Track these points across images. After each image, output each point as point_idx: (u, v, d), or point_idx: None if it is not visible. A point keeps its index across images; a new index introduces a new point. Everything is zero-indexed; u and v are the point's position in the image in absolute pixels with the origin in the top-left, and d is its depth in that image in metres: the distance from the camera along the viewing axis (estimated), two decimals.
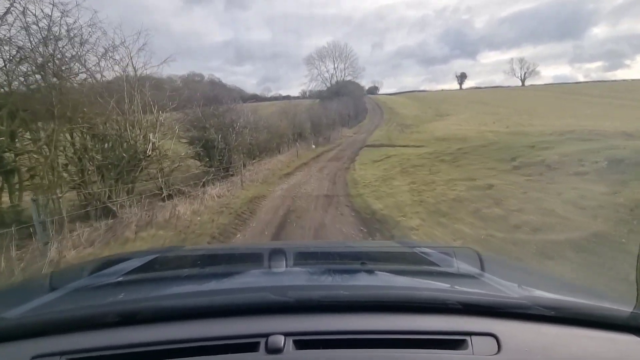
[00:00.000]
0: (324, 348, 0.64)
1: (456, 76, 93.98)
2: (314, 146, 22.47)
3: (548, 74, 73.96)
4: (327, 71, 57.13)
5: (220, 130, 11.26)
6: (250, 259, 1.38)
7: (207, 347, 0.64)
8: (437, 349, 0.65)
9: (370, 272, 1.10)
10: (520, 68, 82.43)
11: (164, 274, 1.19)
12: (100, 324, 0.70)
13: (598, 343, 0.70)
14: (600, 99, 48.91)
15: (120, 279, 1.03)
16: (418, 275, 1.05)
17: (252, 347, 0.63)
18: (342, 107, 39.96)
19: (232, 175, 10.85)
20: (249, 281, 1.03)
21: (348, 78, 56.88)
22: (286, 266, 1.05)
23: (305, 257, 1.34)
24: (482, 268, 1.02)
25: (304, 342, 0.65)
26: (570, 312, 0.75)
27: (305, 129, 23.04)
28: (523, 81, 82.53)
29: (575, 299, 0.87)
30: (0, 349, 0.66)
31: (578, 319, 0.74)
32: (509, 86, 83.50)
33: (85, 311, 0.75)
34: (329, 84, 53.34)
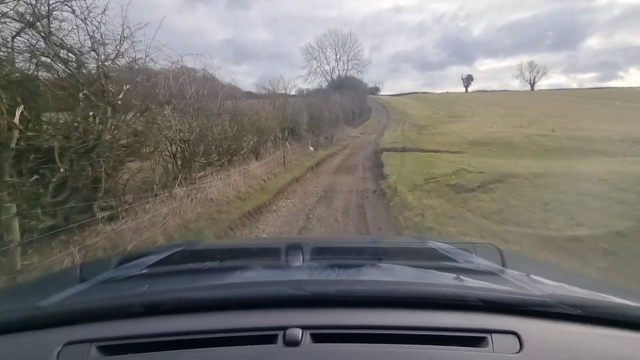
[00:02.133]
0: (340, 342, 0.63)
1: (462, 78, 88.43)
2: (312, 148, 15.32)
3: (543, 82, 72.43)
4: (328, 63, 49.34)
5: None
6: (268, 253, 1.37)
7: (227, 338, 0.64)
8: (457, 345, 0.62)
9: (387, 267, 1.07)
10: (530, 72, 76.51)
11: (186, 267, 1.18)
12: (126, 313, 0.71)
13: (624, 343, 0.66)
14: (623, 103, 43.23)
15: (144, 271, 1.04)
16: (437, 270, 1.01)
17: (270, 340, 0.63)
18: (347, 102, 32.93)
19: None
20: (267, 275, 1.03)
21: (352, 72, 49.36)
22: (303, 261, 1.03)
23: (322, 252, 1.31)
24: (503, 264, 0.99)
25: (321, 336, 0.64)
26: (595, 310, 0.71)
27: (301, 123, 15.81)
28: (532, 85, 76.85)
29: (601, 297, 0.82)
30: (35, 335, 0.68)
31: (604, 318, 0.70)
32: (517, 90, 77.56)
33: (113, 301, 0.77)
34: (329, 79, 45.61)
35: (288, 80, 15.55)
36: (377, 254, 1.22)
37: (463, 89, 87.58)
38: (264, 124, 12.12)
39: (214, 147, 7.78)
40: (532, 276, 0.92)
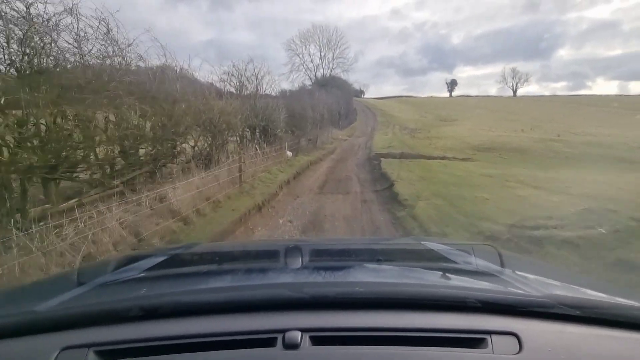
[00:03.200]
0: (340, 344, 0.62)
1: (446, 83, 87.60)
2: (289, 154, 11.67)
3: (520, 89, 74.85)
4: (312, 61, 45.44)
5: None
6: (266, 256, 1.35)
7: (226, 341, 0.63)
8: (456, 347, 0.62)
9: (386, 269, 1.06)
10: (513, 78, 76.30)
11: (184, 270, 1.15)
12: (124, 317, 0.69)
13: (625, 344, 0.65)
14: (610, 109, 42.29)
15: (142, 274, 1.02)
16: (436, 272, 0.99)
17: (270, 343, 0.62)
18: (333, 101, 29.45)
19: None
20: (266, 278, 1.02)
21: (337, 71, 45.73)
22: (302, 263, 1.01)
23: (321, 254, 1.28)
24: (502, 265, 0.97)
25: (320, 339, 0.63)
26: (595, 311, 0.70)
27: (277, 122, 12.14)
28: (515, 91, 76.69)
29: (600, 297, 0.81)
30: (31, 341, 0.66)
31: (604, 318, 0.69)
32: (500, 95, 77.22)
33: (111, 305, 0.75)
34: (313, 77, 41.61)
35: (262, 68, 11.55)
36: (376, 256, 1.17)
37: (446, 94, 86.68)
38: (222, 119, 8.38)
39: (92, 153, 3.94)
40: (531, 277, 0.92)
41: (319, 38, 44.47)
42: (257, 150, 10.40)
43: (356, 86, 56.27)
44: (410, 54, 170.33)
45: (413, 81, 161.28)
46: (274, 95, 15.61)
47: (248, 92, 11.54)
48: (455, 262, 1.08)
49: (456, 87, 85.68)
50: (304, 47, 43.76)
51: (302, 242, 1.54)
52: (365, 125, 34.83)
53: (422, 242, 1.50)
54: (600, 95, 67.41)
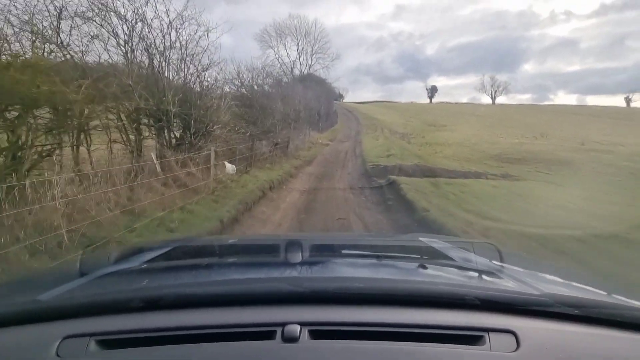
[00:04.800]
0: (338, 339, 0.61)
1: (426, 89, 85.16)
2: (230, 169, 6.09)
3: (487, 100, 76.11)
4: (288, 56, 39.52)
5: None
6: (267, 250, 1.34)
7: (226, 334, 0.63)
8: (454, 343, 0.61)
9: (386, 265, 1.05)
10: (492, 86, 74.93)
11: (185, 262, 1.16)
12: (125, 308, 0.69)
13: (623, 344, 0.65)
14: (597, 118, 40.32)
15: (143, 266, 1.03)
16: (435, 269, 0.97)
17: (269, 336, 0.61)
18: (312, 98, 24.21)
19: None
20: (266, 272, 1.02)
21: (316, 67, 40.22)
22: (302, 258, 1.00)
23: (321, 249, 1.28)
24: (502, 263, 0.96)
25: (319, 332, 0.62)
26: (593, 310, 0.69)
27: (211, 110, 6.57)
28: (494, 98, 75.16)
29: (599, 297, 0.80)
30: (34, 329, 0.67)
31: (601, 318, 0.68)
32: (480, 103, 75.74)
33: (112, 296, 0.76)
34: (290, 73, 35.45)
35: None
36: (376, 252, 1.18)
37: (424, 100, 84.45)
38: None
39: None
40: (530, 275, 0.91)
41: (296, 30, 38.51)
42: (155, 161, 4.88)
43: (336, 90, 50.95)
44: (387, 62, 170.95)
45: (390, 88, 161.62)
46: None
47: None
48: (454, 260, 1.06)
49: (436, 94, 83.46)
50: (280, 39, 37.72)
51: (302, 237, 1.58)
52: (348, 128, 29.81)
53: (422, 239, 1.47)
54: (565, 105, 67.79)
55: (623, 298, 0.78)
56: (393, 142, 18.27)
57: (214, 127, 7.02)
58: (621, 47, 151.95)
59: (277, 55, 35.62)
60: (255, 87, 10.84)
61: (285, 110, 13.51)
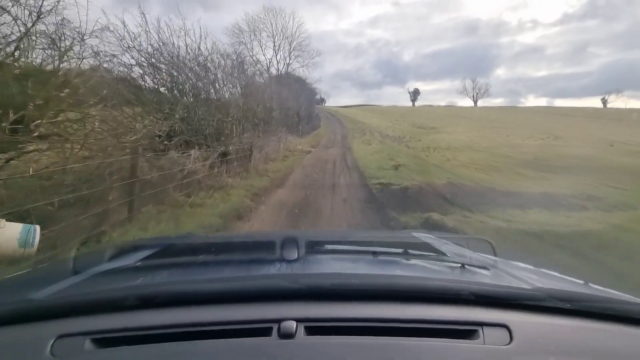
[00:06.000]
0: (334, 334, 0.61)
1: (409, 92, 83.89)
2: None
3: (465, 104, 77.60)
4: (264, 54, 34.42)
5: None
6: (263, 246, 1.31)
7: (222, 331, 0.62)
8: (449, 338, 0.61)
9: (381, 261, 1.05)
10: (473, 88, 74.17)
11: (180, 259, 1.12)
12: (120, 306, 0.68)
13: (614, 337, 0.65)
14: (597, 120, 39.07)
15: (138, 264, 1.00)
16: (430, 264, 0.98)
17: (265, 332, 0.61)
18: (290, 98, 20.15)
19: None
20: (262, 268, 1.01)
21: (295, 65, 35.73)
22: (298, 254, 0.97)
23: (317, 246, 1.24)
24: (496, 258, 0.97)
25: (315, 329, 0.62)
26: (585, 304, 0.70)
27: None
28: (475, 101, 74.36)
29: (591, 291, 0.81)
30: (28, 328, 0.65)
31: (594, 311, 0.68)
32: (461, 106, 74.74)
33: (107, 294, 0.74)
34: (266, 72, 30.43)
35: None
36: (371, 248, 1.16)
37: (404, 103, 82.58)
38: None
39: None
40: (524, 270, 0.92)
41: (271, 24, 33.99)
42: None
43: (317, 91, 46.59)
44: (366, 68, 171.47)
45: (369, 93, 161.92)
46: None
47: None
48: (449, 255, 1.05)
49: (419, 97, 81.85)
50: (253, 34, 33.05)
51: (298, 234, 1.52)
52: (332, 132, 25.96)
53: (417, 235, 1.48)
54: (532, 107, 68.15)
55: (614, 292, 0.78)
56: (391, 148, 14.53)
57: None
58: (584, 53, 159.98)
59: (250, 53, 31.03)
60: (186, 63, 6.66)
61: (248, 105, 9.41)
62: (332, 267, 1.00)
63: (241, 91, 9.48)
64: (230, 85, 8.56)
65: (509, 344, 0.59)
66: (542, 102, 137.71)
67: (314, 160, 11.93)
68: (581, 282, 0.89)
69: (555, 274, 0.97)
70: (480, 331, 0.61)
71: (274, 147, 12.20)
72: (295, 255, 0.95)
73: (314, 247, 1.17)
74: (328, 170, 9.00)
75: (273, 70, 32.24)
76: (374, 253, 1.07)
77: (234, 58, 10.08)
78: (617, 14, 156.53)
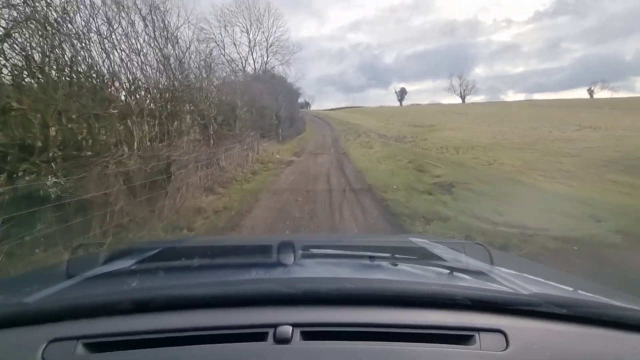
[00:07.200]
0: (330, 339, 0.61)
1: (395, 92, 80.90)
2: None
3: (447, 101, 78.44)
4: (238, 52, 29.79)
5: None
6: (259, 251, 1.31)
7: (217, 335, 0.61)
8: (445, 343, 0.61)
9: (378, 265, 1.02)
10: (460, 86, 72.21)
11: (175, 263, 1.09)
12: (114, 310, 0.67)
13: (611, 343, 0.64)
14: (600, 109, 36.80)
15: (133, 267, 0.99)
16: (426, 269, 0.96)
17: (261, 337, 0.60)
18: (269, 96, 16.15)
19: None
20: (258, 273, 0.99)
21: (274, 63, 30.95)
22: (294, 259, 0.96)
23: (313, 250, 1.22)
24: (492, 264, 0.94)
25: (311, 334, 0.61)
26: (581, 310, 0.69)
27: None
28: (463, 98, 72.43)
29: (587, 297, 0.81)
30: (20, 332, 0.65)
31: (590, 317, 0.68)
32: (449, 103, 72.69)
33: (101, 298, 0.73)
34: (240, 72, 25.21)
35: None
36: (368, 253, 1.14)
37: (390, 104, 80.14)
38: None
39: None
40: (520, 275, 0.91)
41: (244, 17, 29.44)
42: None
43: (300, 91, 42.09)
44: (350, 72, 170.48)
45: (354, 97, 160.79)
46: None
47: None
48: (445, 260, 1.04)
49: (406, 96, 79.41)
50: (224, 29, 28.31)
51: (294, 238, 1.53)
52: (321, 136, 21.93)
53: (413, 240, 1.45)
54: (516, 101, 67.11)
55: (609, 298, 0.78)
56: (402, 150, 10.78)
57: None
58: (558, 49, 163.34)
59: (222, 51, 26.55)
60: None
61: (183, 96, 5.39)
62: (328, 271, 0.99)
63: (165, 73, 5.48)
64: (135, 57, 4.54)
65: (505, 349, 0.59)
66: (521, 97, 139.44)
67: (296, 174, 7.96)
68: (577, 288, 0.89)
69: (551, 280, 0.94)
70: (477, 336, 0.61)
71: (236, 160, 8.22)
72: (292, 260, 0.93)
73: (311, 251, 1.15)
74: (319, 201, 5.02)
75: (249, 70, 27.94)
76: (371, 258, 1.04)
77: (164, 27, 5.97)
78: (586, 10, 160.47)
